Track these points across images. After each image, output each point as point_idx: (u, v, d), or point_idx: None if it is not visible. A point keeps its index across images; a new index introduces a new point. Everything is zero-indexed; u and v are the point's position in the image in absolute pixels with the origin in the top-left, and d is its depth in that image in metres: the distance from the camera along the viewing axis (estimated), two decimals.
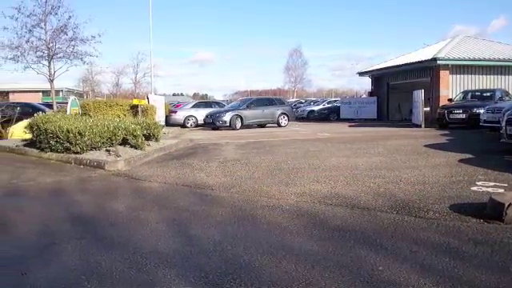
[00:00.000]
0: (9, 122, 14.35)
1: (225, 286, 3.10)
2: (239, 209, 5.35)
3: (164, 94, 51.06)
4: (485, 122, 15.16)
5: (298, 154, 10.32)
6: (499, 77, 23.25)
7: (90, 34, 17.33)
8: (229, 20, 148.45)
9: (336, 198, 5.71)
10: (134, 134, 10.76)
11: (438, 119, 19.03)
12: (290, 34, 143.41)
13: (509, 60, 22.92)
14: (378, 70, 28.97)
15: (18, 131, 13.39)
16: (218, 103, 30.00)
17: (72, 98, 18.40)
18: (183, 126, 23.97)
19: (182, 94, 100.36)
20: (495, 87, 22.00)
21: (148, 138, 11.88)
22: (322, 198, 5.75)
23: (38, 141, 10.68)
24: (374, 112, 29.27)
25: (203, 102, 31.33)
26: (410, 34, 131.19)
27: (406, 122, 24.37)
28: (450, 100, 20.35)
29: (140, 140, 10.76)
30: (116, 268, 3.48)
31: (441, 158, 8.94)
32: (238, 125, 21.79)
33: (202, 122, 23.60)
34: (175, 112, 25.40)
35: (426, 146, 11.21)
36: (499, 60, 22.93)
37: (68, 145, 9.81)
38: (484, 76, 23.16)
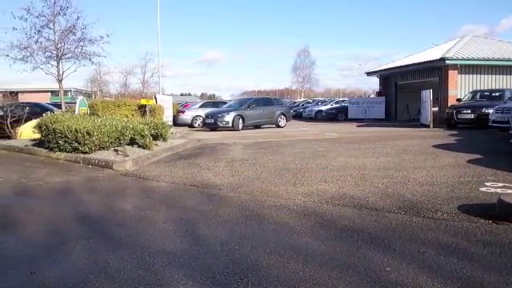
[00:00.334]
0: (18, 121, 14.43)
1: (232, 285, 3.11)
2: (246, 208, 5.35)
3: (172, 94, 51.26)
4: (494, 122, 15.06)
5: (305, 154, 10.31)
6: (508, 77, 23.06)
7: (98, 34, 17.41)
8: (237, 20, 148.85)
9: (344, 198, 5.70)
10: (142, 133, 10.80)
11: (447, 119, 18.91)
12: (298, 34, 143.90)
13: None
14: (386, 69, 28.85)
15: (27, 131, 13.47)
16: (225, 103, 30.00)
17: (80, 98, 18.48)
18: (191, 125, 24.02)
19: (189, 94, 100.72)
20: (504, 87, 21.82)
21: (156, 137, 11.92)
22: (329, 198, 5.73)
23: (47, 140, 10.74)
24: (382, 112, 29.17)
25: (210, 102, 31.41)
26: (419, 34, 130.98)
27: (415, 122, 24.26)
28: (458, 100, 20.22)
29: (148, 140, 10.79)
30: (124, 267, 3.49)
31: (449, 158, 8.89)
32: (240, 125, 21.12)
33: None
34: (183, 112, 25.45)
35: (434, 146, 11.15)
36: (509, 60, 22.74)
37: (76, 144, 9.86)
38: (493, 76, 22.99)
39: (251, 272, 3.33)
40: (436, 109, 22.30)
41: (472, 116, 17.75)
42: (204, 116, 22.50)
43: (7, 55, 16.19)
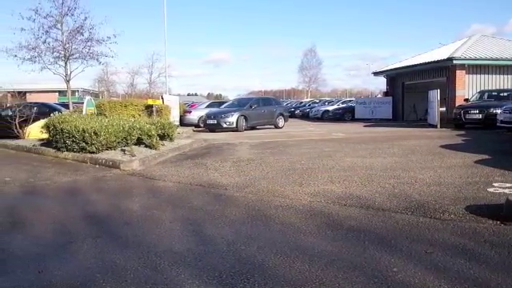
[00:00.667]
0: (26, 121, 14.53)
1: (238, 285, 3.11)
2: (253, 208, 5.35)
3: (178, 94, 51.33)
4: (502, 122, 14.96)
5: (312, 154, 10.29)
6: None
7: (105, 34, 17.41)
8: (244, 20, 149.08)
9: (350, 198, 5.69)
10: (149, 133, 10.84)
11: (454, 119, 18.81)
12: (305, 34, 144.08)
13: None
14: (393, 69, 28.74)
15: (35, 131, 13.55)
16: None
17: (88, 98, 18.57)
18: (197, 125, 24.02)
19: (196, 94, 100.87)
20: None
21: (162, 137, 11.95)
22: (336, 198, 5.72)
23: (55, 140, 10.80)
24: (389, 112, 29.07)
25: (217, 102, 31.40)
26: (426, 34, 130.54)
27: (422, 122, 24.15)
28: (466, 100, 20.10)
29: (155, 140, 10.83)
30: (131, 267, 3.50)
31: (457, 158, 8.85)
32: (244, 126, 20.20)
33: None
34: (190, 112, 25.46)
35: (441, 146, 11.10)
36: None
37: (84, 144, 9.91)
38: (501, 76, 22.84)
39: (257, 272, 3.34)
40: (443, 109, 22.20)
41: (480, 116, 17.64)
42: (205, 116, 21.35)
43: (15, 55, 16.25)
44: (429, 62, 24.14)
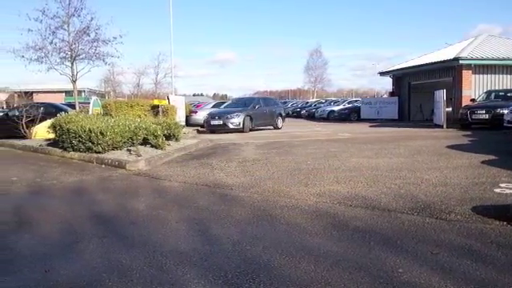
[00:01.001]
0: (33, 121, 14.61)
1: (244, 285, 3.11)
2: (258, 209, 5.35)
3: (184, 95, 51.39)
4: (509, 122, 14.90)
5: (317, 154, 10.28)
6: None
7: (111, 35, 17.47)
8: (249, 20, 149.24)
9: (356, 198, 5.68)
10: (155, 133, 10.86)
11: (461, 120, 18.74)
12: (311, 34, 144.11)
13: None
14: (399, 69, 28.66)
15: (42, 131, 13.62)
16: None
17: (94, 98, 18.64)
18: (203, 125, 24.02)
19: (201, 95, 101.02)
20: None
21: (168, 137, 11.98)
22: (341, 198, 5.72)
23: (61, 140, 10.85)
24: (395, 112, 28.99)
25: (222, 102, 31.39)
26: (433, 34, 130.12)
27: (428, 122, 24.07)
28: (472, 100, 20.01)
29: (160, 140, 10.85)
30: (136, 266, 3.51)
31: (463, 159, 8.81)
32: (249, 127, 19.62)
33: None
34: (196, 112, 25.47)
35: (447, 146, 11.06)
36: None
37: (90, 144, 9.95)
38: (508, 76, 22.71)
39: (263, 272, 3.34)
40: (450, 109, 22.12)
41: (486, 116, 17.57)
42: (208, 117, 20.48)
43: (23, 56, 16.34)
44: (435, 62, 24.06)
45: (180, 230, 4.60)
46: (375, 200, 5.56)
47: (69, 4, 16.41)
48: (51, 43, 16.54)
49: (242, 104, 21.87)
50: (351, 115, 31.26)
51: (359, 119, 30.11)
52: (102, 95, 58.00)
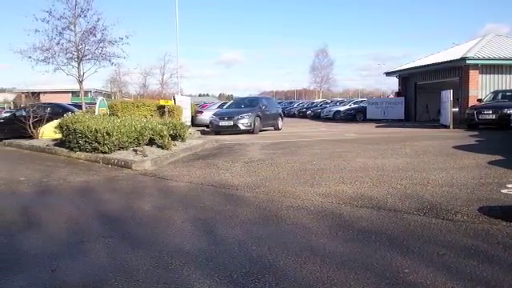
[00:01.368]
0: (40, 122, 14.69)
1: (249, 285, 3.12)
2: (264, 209, 5.36)
3: (190, 95, 51.55)
4: None
5: (323, 154, 10.27)
6: None
7: (117, 35, 17.58)
8: (255, 21, 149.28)
9: (362, 199, 5.66)
10: (161, 134, 10.90)
11: (467, 120, 18.64)
12: (318, 35, 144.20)
13: None
14: (405, 69, 28.55)
15: (49, 131, 13.70)
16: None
17: (100, 98, 18.69)
18: (209, 126, 24.02)
19: (207, 95, 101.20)
20: None
21: (174, 138, 12.01)
22: (347, 199, 5.71)
23: (68, 140, 10.91)
24: (402, 112, 28.88)
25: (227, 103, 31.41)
26: (440, 34, 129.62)
27: (434, 122, 23.96)
28: (479, 100, 19.90)
29: (166, 140, 10.88)
30: (142, 266, 3.53)
31: (469, 159, 8.77)
32: (259, 128, 18.93)
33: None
34: (201, 112, 25.50)
35: (454, 147, 11.01)
36: None
37: (96, 144, 9.99)
38: None
39: (268, 272, 3.34)
40: (456, 109, 22.01)
41: (493, 117, 17.47)
42: (215, 117, 19.40)
43: (30, 57, 16.46)
44: (442, 62, 23.96)
45: (186, 230, 4.61)
46: (381, 200, 5.55)
47: (75, 5, 16.53)
48: (58, 44, 16.67)
49: (247, 104, 20.96)
50: (357, 115, 31.17)
51: (365, 119, 30.02)
52: (108, 95, 58.30)
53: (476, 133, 16.06)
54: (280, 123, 22.01)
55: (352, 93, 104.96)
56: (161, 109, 17.69)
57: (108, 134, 9.87)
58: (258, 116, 19.02)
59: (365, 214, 4.98)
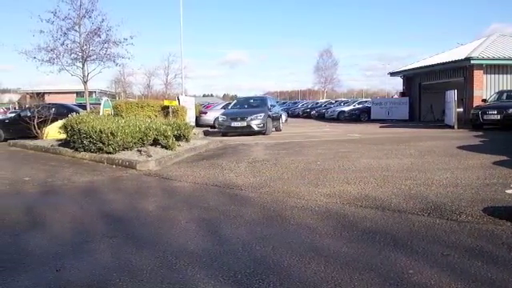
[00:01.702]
0: (44, 122, 14.75)
1: (253, 285, 3.12)
2: (268, 209, 5.36)
3: (194, 95, 51.57)
4: None
5: (327, 154, 10.26)
6: None
7: (122, 36, 17.62)
8: (259, 21, 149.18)
9: (366, 199, 5.66)
10: (165, 134, 10.91)
11: (472, 120, 18.57)
12: (322, 35, 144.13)
13: None
14: (409, 70, 28.48)
15: (53, 131, 13.74)
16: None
17: (105, 99, 18.74)
18: (213, 126, 24.03)
19: (211, 95, 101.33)
20: None
21: (178, 138, 12.02)
22: (351, 199, 5.70)
23: (72, 141, 10.94)
24: (406, 113, 28.81)
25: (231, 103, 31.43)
26: (445, 34, 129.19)
27: (439, 122, 23.90)
28: (484, 100, 19.83)
29: (171, 140, 10.90)
30: (146, 266, 3.54)
31: (474, 159, 8.74)
32: (271, 129, 18.28)
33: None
34: (205, 113, 25.54)
35: (458, 147, 10.98)
36: None
37: (101, 145, 10.01)
38: None
39: (273, 272, 3.34)
40: (461, 109, 21.94)
41: (498, 117, 17.39)
42: (225, 117, 18.38)
43: (34, 57, 16.53)
44: (446, 62, 23.89)
45: (190, 230, 4.61)
46: (385, 201, 5.54)
47: (80, 5, 16.59)
48: (62, 44, 16.73)
49: (254, 104, 20.06)
50: (361, 116, 31.13)
51: (369, 120, 29.97)
52: (112, 96, 58.46)
53: (481, 133, 16.01)
54: (281, 124, 21.52)
55: (356, 93, 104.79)
56: (165, 109, 17.72)
57: (112, 134, 9.89)
58: (269, 117, 18.31)
59: (369, 215, 4.97)
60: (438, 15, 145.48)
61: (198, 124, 22.87)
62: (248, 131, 17.44)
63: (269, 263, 3.54)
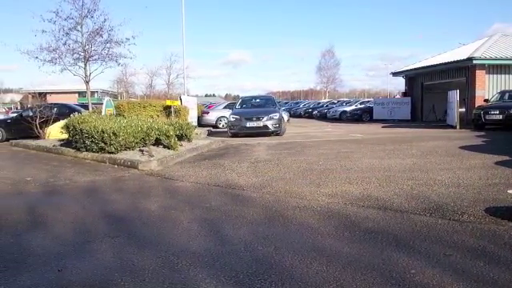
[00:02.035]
0: (46, 122, 14.77)
1: (255, 286, 3.12)
2: (270, 209, 5.36)
3: (196, 95, 51.66)
4: None
5: (329, 155, 10.26)
6: None
7: (124, 36, 17.66)
8: (262, 21, 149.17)
9: (368, 199, 5.65)
10: (167, 134, 10.92)
11: (474, 120, 18.56)
12: (325, 35, 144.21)
13: None
14: (412, 70, 28.46)
15: (55, 131, 13.76)
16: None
17: (107, 98, 18.75)
18: (215, 126, 24.06)
19: (213, 95, 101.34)
20: None
21: (181, 138, 12.03)
22: (353, 199, 5.70)
23: (74, 141, 10.96)
24: (408, 113, 28.79)
25: (234, 103, 31.43)
26: (447, 34, 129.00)
27: (441, 122, 23.88)
28: (486, 100, 19.80)
29: (173, 140, 10.90)
30: (148, 266, 3.54)
31: (476, 159, 8.72)
32: (284, 130, 17.54)
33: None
34: (207, 113, 25.55)
35: (460, 147, 10.96)
36: None
37: (103, 145, 10.02)
38: None
39: (275, 272, 3.34)
40: (463, 109, 21.92)
41: (500, 117, 17.37)
42: (238, 117, 17.18)
43: (36, 57, 16.57)
44: (448, 62, 23.86)
45: (192, 230, 4.61)
46: (387, 201, 5.54)
47: (82, 5, 16.63)
48: (65, 44, 16.77)
49: (262, 104, 19.36)
50: (363, 116, 31.13)
51: (371, 120, 29.97)
52: (114, 96, 58.57)
53: (483, 133, 15.99)
54: (283, 124, 20.24)
55: (358, 93, 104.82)
56: (167, 109, 17.73)
57: (114, 134, 9.90)
58: (282, 116, 17.51)
59: (371, 215, 4.97)
60: (440, 15, 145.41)
61: (200, 124, 22.91)
62: (263, 131, 16.63)
63: (271, 263, 3.54)
